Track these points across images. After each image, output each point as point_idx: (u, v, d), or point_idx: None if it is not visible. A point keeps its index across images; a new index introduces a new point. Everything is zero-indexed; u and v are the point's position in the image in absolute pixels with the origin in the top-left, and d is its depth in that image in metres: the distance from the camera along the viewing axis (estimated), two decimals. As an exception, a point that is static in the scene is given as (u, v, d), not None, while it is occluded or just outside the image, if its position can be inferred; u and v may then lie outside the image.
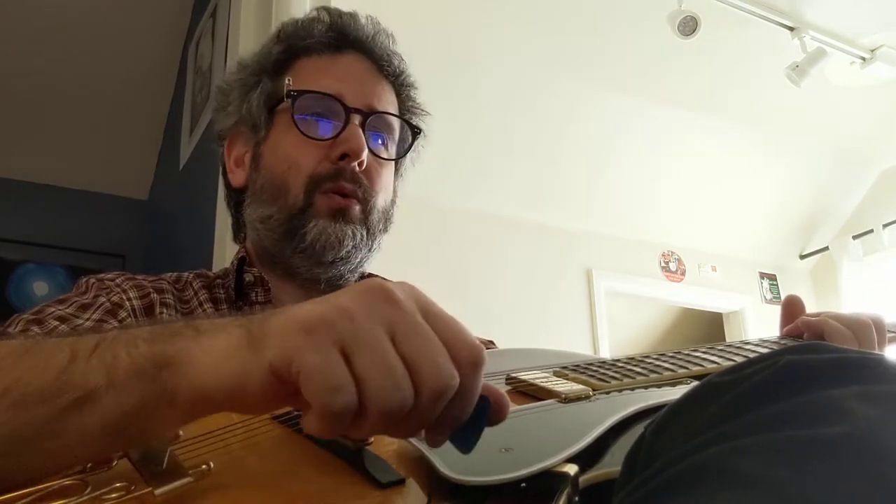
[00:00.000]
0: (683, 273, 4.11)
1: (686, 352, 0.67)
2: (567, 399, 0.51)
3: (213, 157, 0.88)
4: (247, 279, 0.80)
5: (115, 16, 2.80)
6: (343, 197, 0.76)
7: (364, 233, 0.77)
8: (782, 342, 0.76)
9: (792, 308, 0.83)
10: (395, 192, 0.86)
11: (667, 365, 0.62)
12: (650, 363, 0.63)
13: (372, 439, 0.41)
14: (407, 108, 0.88)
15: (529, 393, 0.55)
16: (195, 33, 2.54)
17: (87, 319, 0.68)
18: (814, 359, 0.36)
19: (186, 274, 0.82)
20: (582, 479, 0.38)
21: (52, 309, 0.68)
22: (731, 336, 4.22)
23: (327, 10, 0.83)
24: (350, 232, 0.76)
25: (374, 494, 0.36)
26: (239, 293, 0.80)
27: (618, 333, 4.22)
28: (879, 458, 0.29)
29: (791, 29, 2.93)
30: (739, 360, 0.64)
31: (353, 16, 0.83)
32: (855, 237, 4.14)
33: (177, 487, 0.35)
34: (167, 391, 0.37)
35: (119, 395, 0.37)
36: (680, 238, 4.10)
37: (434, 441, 0.37)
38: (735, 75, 3.22)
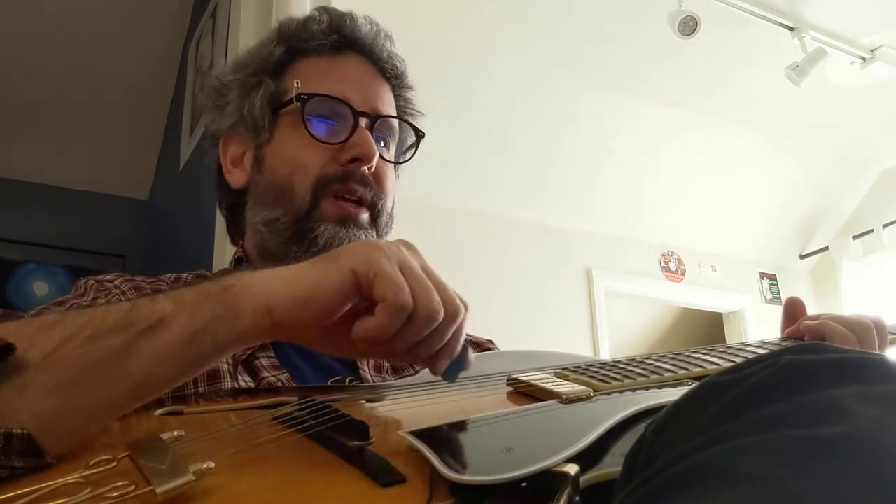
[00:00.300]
0: (683, 273, 4.11)
1: (686, 353, 0.67)
2: (568, 400, 0.52)
3: (213, 158, 0.87)
4: None
5: (115, 16, 2.80)
6: (352, 203, 0.76)
7: (374, 236, 0.78)
8: (783, 344, 0.76)
9: (793, 310, 0.83)
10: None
11: (667, 366, 0.62)
12: (651, 364, 0.63)
13: (373, 438, 0.41)
14: (403, 108, 0.88)
15: (530, 394, 0.55)
16: (195, 33, 2.54)
17: None
18: (814, 359, 0.36)
19: (185, 275, 0.82)
20: (582, 478, 0.38)
21: (52, 310, 0.68)
22: (731, 336, 4.22)
23: (327, 10, 0.83)
24: (363, 236, 0.76)
25: (374, 494, 0.36)
26: None
27: (618, 333, 4.22)
28: (880, 458, 0.29)
29: (791, 29, 2.94)
30: (740, 361, 0.64)
31: (352, 17, 0.83)
32: (855, 237, 4.14)
33: (178, 486, 0.35)
34: (234, 307, 0.45)
35: (190, 315, 0.44)
36: (680, 238, 4.11)
37: (438, 368, 0.51)
38: (735, 75, 3.23)
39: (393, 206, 0.84)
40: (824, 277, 4.41)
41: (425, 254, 0.52)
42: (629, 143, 3.57)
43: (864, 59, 3.12)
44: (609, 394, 0.54)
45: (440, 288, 0.48)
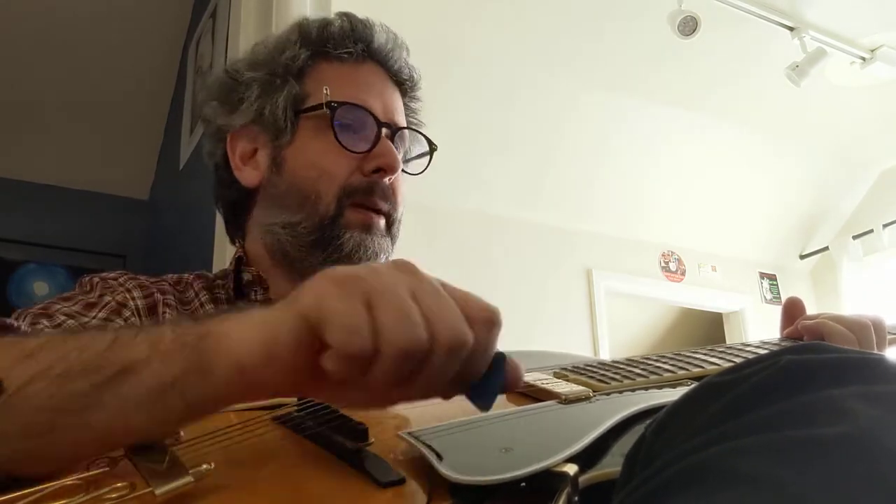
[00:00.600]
0: (683, 273, 4.11)
1: (686, 353, 0.67)
2: (567, 400, 0.52)
3: (214, 152, 0.86)
4: (245, 278, 0.80)
5: (115, 16, 2.80)
6: (373, 211, 0.77)
7: (390, 244, 0.79)
8: (783, 344, 0.76)
9: (792, 310, 0.83)
10: None
11: (667, 366, 0.62)
12: (650, 364, 0.63)
13: (372, 439, 0.41)
14: (409, 118, 0.89)
15: (529, 394, 0.55)
16: (195, 33, 2.54)
17: (94, 318, 0.68)
18: (814, 359, 0.36)
19: (187, 275, 0.82)
20: (582, 478, 0.38)
21: (59, 305, 0.68)
22: (731, 336, 4.22)
23: (349, 17, 0.83)
24: (385, 245, 0.78)
25: (373, 494, 0.36)
26: (238, 293, 0.80)
27: (618, 333, 4.22)
28: (879, 458, 0.29)
29: (791, 29, 2.93)
30: (740, 361, 0.64)
31: (371, 25, 0.84)
32: (855, 237, 4.14)
33: (177, 487, 0.35)
34: (205, 360, 0.39)
35: (161, 365, 0.39)
36: (680, 238, 4.11)
37: (447, 394, 0.40)
38: (735, 75, 3.23)
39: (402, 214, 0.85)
40: (824, 277, 4.41)
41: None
42: (629, 143, 3.57)
43: (864, 59, 3.12)
44: (608, 394, 0.55)
45: (446, 309, 0.38)
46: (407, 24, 0.87)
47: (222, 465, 0.38)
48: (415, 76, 0.87)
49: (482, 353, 0.39)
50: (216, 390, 0.39)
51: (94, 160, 3.25)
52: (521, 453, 0.39)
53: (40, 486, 0.36)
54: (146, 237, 3.28)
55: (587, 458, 0.39)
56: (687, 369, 0.61)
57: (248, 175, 0.81)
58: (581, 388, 0.54)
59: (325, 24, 0.82)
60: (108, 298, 0.71)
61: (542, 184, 3.58)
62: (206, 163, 0.89)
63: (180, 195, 2.57)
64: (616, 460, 0.38)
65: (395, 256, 0.94)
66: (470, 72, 3.02)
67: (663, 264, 4.07)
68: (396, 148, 0.81)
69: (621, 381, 0.56)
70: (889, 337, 0.78)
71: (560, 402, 0.51)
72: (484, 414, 0.46)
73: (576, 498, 0.37)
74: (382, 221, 0.78)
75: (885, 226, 3.99)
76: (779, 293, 4.39)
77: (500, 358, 0.39)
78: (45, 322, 0.64)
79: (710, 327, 4.73)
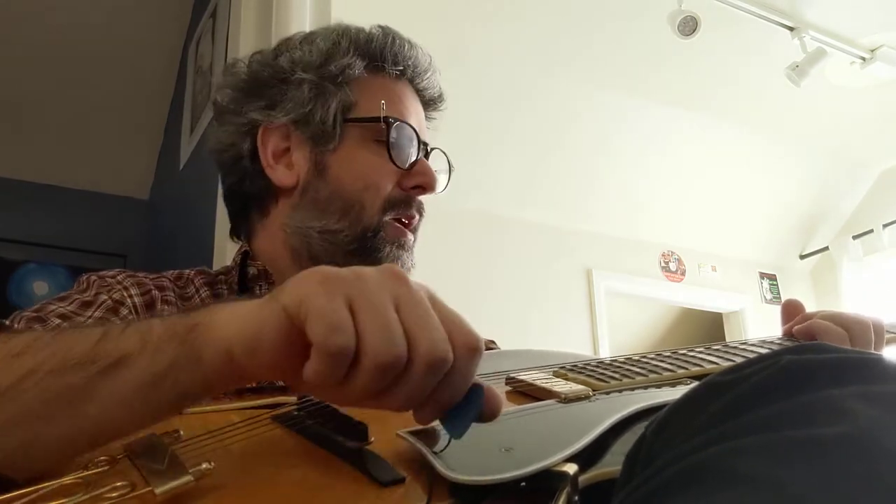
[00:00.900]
0: (683, 273, 4.11)
1: (685, 352, 0.67)
2: (567, 399, 0.52)
3: (236, 142, 0.84)
4: (250, 272, 0.80)
5: (114, 16, 2.80)
6: (405, 226, 0.80)
7: (412, 257, 0.82)
8: (783, 343, 0.76)
9: (791, 311, 0.83)
10: None
11: (666, 365, 0.62)
12: (649, 363, 0.63)
13: (373, 438, 0.41)
14: None
15: (529, 393, 0.55)
16: (195, 33, 2.54)
17: (89, 317, 0.68)
18: (814, 359, 0.36)
19: (188, 271, 0.82)
20: (581, 478, 0.38)
21: (54, 306, 0.68)
22: (731, 336, 4.22)
23: (395, 34, 0.84)
24: (413, 262, 0.81)
25: (374, 493, 0.36)
26: (242, 287, 0.80)
27: (618, 333, 4.22)
28: (878, 458, 0.29)
29: (791, 29, 2.94)
30: (739, 360, 0.64)
31: (415, 46, 0.86)
32: (855, 237, 4.14)
33: (177, 487, 0.35)
34: (195, 350, 0.40)
35: (152, 356, 0.40)
36: (680, 238, 4.11)
37: (423, 418, 0.39)
38: (735, 75, 3.23)
39: None
40: (824, 277, 4.41)
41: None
42: (629, 143, 3.57)
43: (864, 59, 3.12)
44: (608, 393, 0.55)
45: (428, 325, 0.37)
46: (406, 25, 0.88)
47: (222, 465, 0.38)
48: (442, 96, 0.90)
49: (461, 377, 0.38)
50: (206, 378, 0.41)
51: (94, 160, 3.25)
52: (522, 453, 0.39)
53: (40, 486, 0.36)
54: (146, 237, 3.28)
55: (587, 457, 0.39)
56: (686, 368, 0.61)
57: (281, 174, 0.80)
58: (581, 387, 0.54)
59: (372, 36, 0.83)
60: (104, 297, 0.70)
61: (542, 183, 3.58)
62: (219, 151, 0.86)
63: (180, 195, 2.57)
64: (616, 459, 0.38)
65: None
66: (469, 71, 3.02)
67: (663, 264, 4.07)
68: None
69: (621, 381, 0.56)
70: (888, 335, 0.79)
71: (560, 402, 0.51)
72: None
73: (576, 497, 0.37)
74: (412, 236, 0.81)
75: (885, 226, 3.99)
76: (779, 293, 4.39)
77: (479, 388, 0.39)
78: (38, 326, 0.64)
79: (710, 327, 4.73)
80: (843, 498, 0.28)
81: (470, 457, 0.39)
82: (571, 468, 0.37)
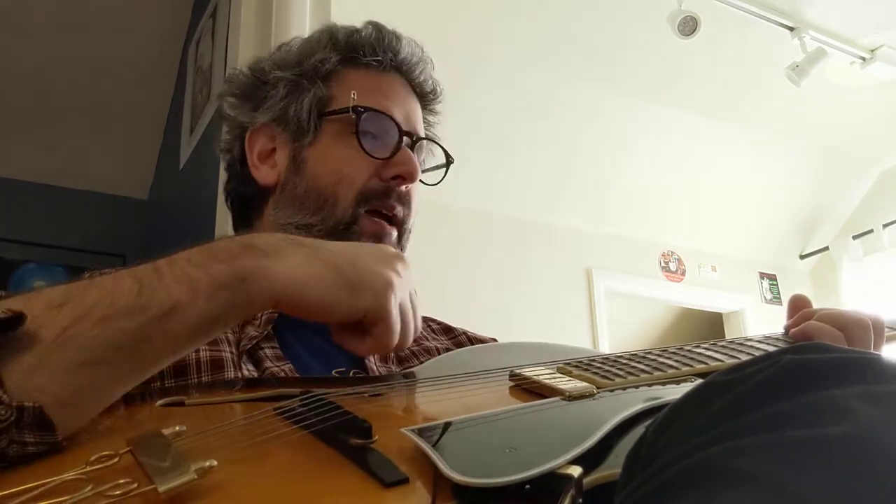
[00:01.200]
0: (683, 273, 4.11)
1: (689, 348, 0.67)
2: (571, 397, 0.51)
3: (213, 157, 0.86)
4: None
5: (114, 15, 2.80)
6: (386, 220, 0.78)
7: None
8: (785, 339, 0.76)
9: (796, 306, 0.83)
10: None
11: (670, 362, 0.62)
12: (654, 360, 0.63)
13: (376, 436, 0.41)
14: (426, 129, 0.90)
15: (533, 390, 0.55)
16: (195, 33, 2.53)
17: None
18: (815, 358, 0.36)
19: None
20: (586, 480, 0.38)
21: None
22: (731, 336, 4.21)
23: (378, 26, 0.84)
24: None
25: (377, 493, 0.36)
26: None
27: (618, 333, 4.22)
28: (880, 458, 0.29)
29: (791, 29, 2.94)
30: (742, 357, 0.64)
31: (400, 37, 0.85)
32: (855, 237, 4.14)
33: (181, 485, 0.35)
34: (248, 298, 0.48)
35: (206, 303, 0.46)
36: (680, 238, 4.11)
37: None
38: (735, 75, 3.23)
39: (413, 224, 0.85)
40: (824, 277, 4.41)
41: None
42: (629, 144, 3.57)
43: (864, 59, 3.12)
44: (612, 391, 0.54)
45: (414, 323, 0.55)
46: (425, 33, 0.88)
47: (225, 462, 0.38)
48: (437, 90, 0.88)
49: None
50: (252, 313, 0.54)
51: (93, 160, 3.25)
52: (526, 453, 0.39)
53: (42, 481, 0.36)
54: (146, 237, 3.28)
55: (591, 458, 0.39)
56: (691, 365, 0.61)
57: (264, 174, 0.82)
58: (585, 384, 0.54)
59: (355, 31, 0.83)
60: None
61: (542, 183, 3.58)
62: (220, 157, 0.89)
63: (180, 195, 2.57)
64: (620, 461, 0.38)
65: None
66: (469, 71, 3.02)
67: (663, 264, 4.07)
68: (417, 157, 0.82)
69: (625, 378, 0.56)
70: (888, 334, 0.78)
71: (564, 399, 0.51)
72: (488, 411, 0.46)
73: (580, 500, 0.37)
74: (395, 232, 0.79)
75: (885, 226, 3.99)
76: (779, 293, 4.39)
77: None
78: None
79: (709, 327, 4.73)
80: (846, 498, 0.28)
81: (474, 456, 0.39)
82: (576, 471, 0.37)
